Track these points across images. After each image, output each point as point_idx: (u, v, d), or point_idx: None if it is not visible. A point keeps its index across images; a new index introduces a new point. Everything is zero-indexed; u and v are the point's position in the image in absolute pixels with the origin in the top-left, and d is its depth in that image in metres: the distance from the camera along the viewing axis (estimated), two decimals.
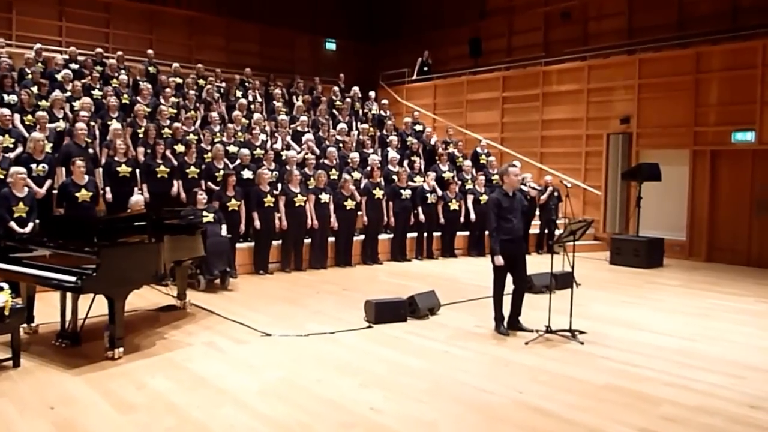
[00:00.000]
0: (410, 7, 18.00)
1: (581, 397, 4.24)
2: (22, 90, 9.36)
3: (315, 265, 9.16)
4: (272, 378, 4.53)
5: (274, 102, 12.72)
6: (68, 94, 9.99)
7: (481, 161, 12.19)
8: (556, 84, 13.26)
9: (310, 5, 17.84)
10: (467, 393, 4.30)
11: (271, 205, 8.65)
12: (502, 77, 14.35)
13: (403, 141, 12.40)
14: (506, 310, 5.85)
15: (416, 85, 16.43)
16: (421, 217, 10.13)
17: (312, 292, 7.66)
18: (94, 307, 5.31)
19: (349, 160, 10.23)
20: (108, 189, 8.00)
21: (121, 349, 4.90)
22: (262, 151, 9.80)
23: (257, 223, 8.53)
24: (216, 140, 9.78)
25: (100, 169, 8.38)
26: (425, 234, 10.41)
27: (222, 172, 8.80)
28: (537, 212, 11.04)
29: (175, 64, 12.91)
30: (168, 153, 8.87)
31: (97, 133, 9.25)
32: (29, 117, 8.79)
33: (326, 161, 10.20)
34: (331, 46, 18.24)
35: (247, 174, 8.99)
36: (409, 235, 10.26)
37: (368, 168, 10.12)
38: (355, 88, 14.29)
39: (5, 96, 9.31)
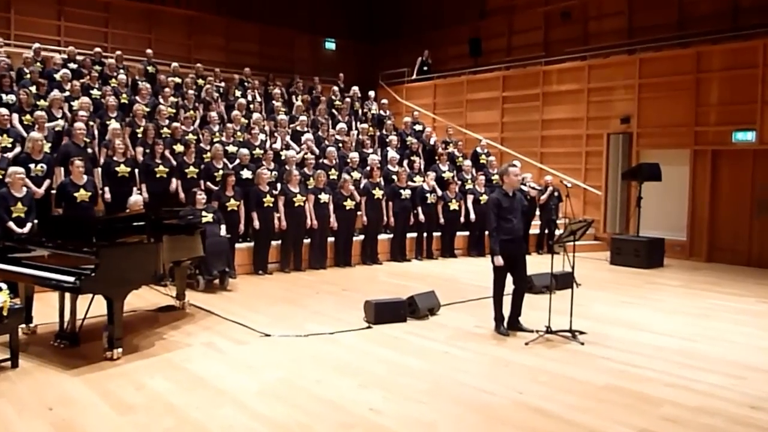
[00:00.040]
0: (410, 7, 17.98)
1: (581, 397, 4.23)
2: (21, 90, 9.34)
3: (314, 266, 9.15)
4: (271, 378, 4.52)
5: (274, 102, 12.70)
6: (67, 93, 9.98)
7: (481, 161, 12.18)
8: (556, 84, 13.25)
9: (309, 5, 17.82)
10: (467, 393, 4.28)
11: (271, 205, 8.63)
12: (502, 77, 14.33)
13: (403, 141, 12.38)
14: (506, 311, 5.84)
15: (416, 84, 16.41)
16: (421, 217, 10.11)
17: (311, 292, 7.65)
18: (92, 308, 5.31)
19: (349, 160, 10.21)
20: (107, 189, 7.98)
21: (120, 350, 4.88)
22: (262, 151, 9.78)
23: (256, 223, 8.52)
24: (215, 140, 9.77)
25: (99, 169, 8.36)
26: (425, 234, 10.39)
27: (221, 172, 8.78)
28: (537, 212, 11.02)
29: (174, 64, 12.89)
30: (167, 153, 8.84)
31: (96, 132, 9.23)
32: (28, 117, 8.78)
33: (326, 161, 10.18)
34: (330, 45, 18.22)
35: (246, 174, 8.98)
36: (408, 235, 10.25)
37: (368, 168, 10.11)
38: (355, 88, 14.27)
39: (3, 96, 9.29)
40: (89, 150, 8.35)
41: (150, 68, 12.49)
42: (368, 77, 17.27)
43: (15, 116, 8.65)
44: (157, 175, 8.48)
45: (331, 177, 9.78)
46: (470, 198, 10.77)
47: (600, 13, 13.68)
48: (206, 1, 16.06)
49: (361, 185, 9.80)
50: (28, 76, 10.34)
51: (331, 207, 9.18)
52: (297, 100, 13.27)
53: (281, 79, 14.71)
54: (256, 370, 4.69)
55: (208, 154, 9.18)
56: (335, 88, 14.12)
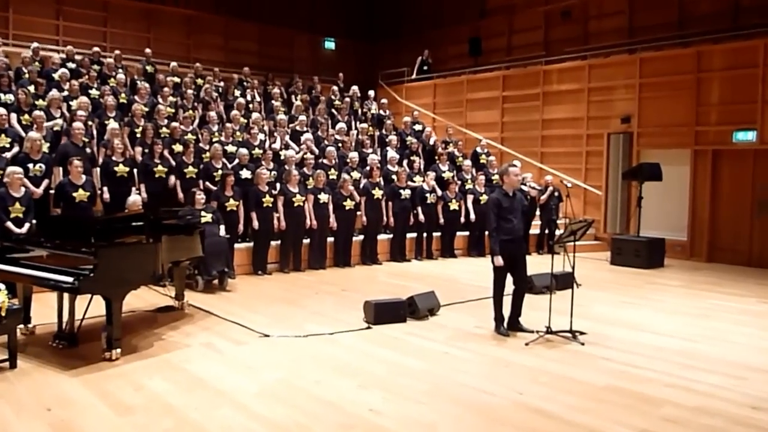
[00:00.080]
0: (410, 6, 17.95)
1: (582, 398, 4.21)
2: (19, 89, 9.32)
3: (314, 266, 9.13)
4: (271, 379, 4.51)
5: (273, 101, 12.68)
6: (65, 93, 9.96)
7: (481, 161, 12.17)
8: (556, 83, 13.23)
9: (309, 4, 17.80)
10: (467, 394, 4.27)
11: (270, 205, 8.61)
12: (502, 76, 14.32)
13: (403, 141, 12.37)
14: (506, 311, 5.83)
15: (416, 84, 16.39)
16: (421, 217, 10.09)
17: (311, 292, 7.63)
18: (91, 308, 5.30)
19: (348, 160, 10.19)
20: (105, 189, 7.97)
21: (119, 350, 4.86)
22: (261, 151, 9.76)
23: (256, 224, 8.50)
24: (214, 140, 9.74)
25: (98, 169, 8.34)
26: (425, 234, 10.38)
27: (220, 171, 8.76)
28: (537, 212, 11.01)
29: (173, 64, 12.88)
30: (166, 153, 8.83)
31: (95, 132, 9.22)
32: (26, 116, 8.75)
33: (325, 161, 10.16)
34: (330, 45, 18.19)
35: (245, 174, 8.96)
36: (408, 235, 10.23)
37: (367, 168, 10.09)
38: (354, 88, 14.25)
39: (2, 95, 9.26)
40: (88, 150, 8.35)
41: (149, 68, 12.48)
42: (368, 77, 17.25)
43: (13, 116, 8.62)
44: (156, 175, 8.47)
45: (331, 177, 9.76)
46: (470, 198, 10.76)
47: (600, 13, 13.66)
48: (205, 1, 16.02)
49: (361, 185, 9.78)
50: (27, 75, 10.33)
51: (331, 207, 9.16)
52: (296, 99, 13.25)
53: (280, 79, 14.69)
54: (255, 371, 4.68)
55: (207, 154, 9.16)
56: (335, 87, 14.11)
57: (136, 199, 7.18)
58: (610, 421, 3.83)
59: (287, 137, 10.97)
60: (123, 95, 10.68)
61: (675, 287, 8.45)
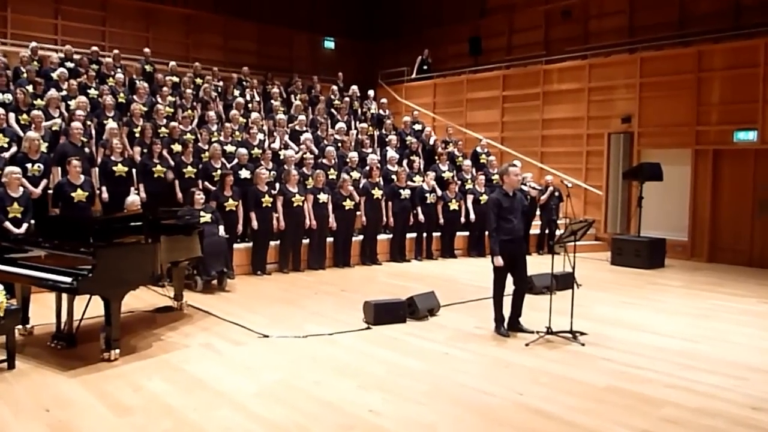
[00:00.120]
0: (410, 5, 17.93)
1: (582, 399, 4.20)
2: (18, 89, 9.31)
3: (313, 266, 9.11)
4: (270, 380, 4.49)
5: (272, 101, 12.67)
6: (64, 93, 9.94)
7: (481, 161, 12.15)
8: (556, 83, 13.21)
9: (308, 3, 17.78)
10: (467, 395, 4.25)
11: (269, 205, 8.59)
12: (503, 76, 14.30)
13: (403, 140, 12.35)
14: (506, 311, 5.81)
15: (416, 83, 16.37)
16: (421, 217, 10.07)
17: (310, 293, 7.61)
18: (89, 309, 5.28)
19: (348, 160, 10.16)
20: (104, 189, 7.95)
21: (117, 351, 4.84)
22: (260, 151, 9.74)
23: (255, 224, 8.48)
24: (213, 139, 9.71)
25: (96, 169, 8.32)
26: (425, 234, 10.36)
27: (219, 171, 8.73)
28: (537, 212, 10.99)
29: (172, 63, 12.86)
30: (165, 152, 8.81)
31: (93, 132, 9.20)
32: (24, 116, 8.73)
33: (325, 161, 10.14)
34: (329, 44, 18.17)
35: (244, 174, 8.94)
36: (408, 235, 10.21)
37: (367, 168, 10.07)
38: (354, 87, 14.23)
39: (0, 95, 9.24)
40: (86, 150, 8.32)
41: (148, 67, 12.46)
42: (367, 76, 17.24)
43: (11, 115, 8.61)
44: (155, 175, 8.44)
45: (330, 177, 9.73)
46: (470, 198, 10.74)
47: (601, 12, 13.65)
48: (204, 0, 16.01)
49: (361, 185, 9.76)
50: (25, 75, 10.31)
51: (330, 207, 9.14)
52: (296, 99, 13.22)
53: (280, 79, 14.68)
54: (254, 372, 4.66)
55: (207, 154, 9.13)
56: (334, 87, 14.09)
57: (134, 199, 7.16)
58: (610, 421, 3.81)
59: (286, 137, 10.95)
60: (122, 95, 10.67)
61: (676, 287, 8.44)
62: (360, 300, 6.40)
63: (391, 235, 10.08)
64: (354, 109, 13.78)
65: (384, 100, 14.63)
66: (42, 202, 7.36)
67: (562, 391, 4.34)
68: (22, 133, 8.10)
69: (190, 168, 8.76)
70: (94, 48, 12.51)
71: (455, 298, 7.14)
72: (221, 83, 12.99)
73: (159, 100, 10.66)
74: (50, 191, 7.45)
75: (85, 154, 7.98)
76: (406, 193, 9.92)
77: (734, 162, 10.64)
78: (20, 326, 5.28)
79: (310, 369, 4.73)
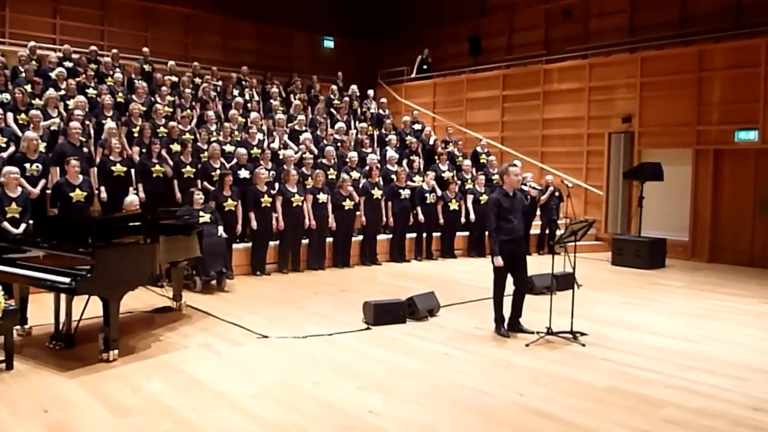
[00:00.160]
0: (409, 5, 17.92)
1: (582, 399, 4.19)
2: (16, 88, 9.29)
3: (313, 266, 9.09)
4: (269, 380, 4.47)
5: (271, 101, 12.65)
6: (62, 92, 9.92)
7: (481, 161, 12.13)
8: (557, 82, 13.20)
9: (308, 3, 17.75)
10: (467, 395, 4.24)
11: (269, 205, 8.57)
12: (503, 75, 14.29)
13: (402, 140, 12.33)
14: (506, 312, 5.79)
15: (415, 83, 16.36)
16: (421, 217, 10.05)
17: (309, 293, 7.59)
18: (88, 309, 5.27)
19: (348, 160, 10.14)
20: (102, 189, 7.93)
21: (116, 352, 4.83)
22: (259, 151, 9.72)
23: (254, 224, 8.46)
24: (212, 139, 9.70)
25: (95, 169, 8.30)
26: (424, 234, 10.34)
27: (218, 171, 8.71)
28: (538, 212, 10.98)
29: (171, 62, 12.84)
30: (164, 152, 8.79)
31: (92, 132, 9.18)
32: (23, 116, 8.70)
33: (324, 161, 10.12)
34: (329, 44, 18.15)
35: (243, 173, 8.92)
36: (408, 235, 10.19)
37: (367, 167, 10.05)
38: (354, 87, 14.21)
39: None
40: (85, 149, 8.30)
41: (146, 67, 12.44)
42: (367, 76, 17.22)
43: (10, 115, 8.59)
44: (154, 175, 8.42)
45: (330, 177, 9.72)
46: (470, 198, 10.72)
47: (601, 11, 13.63)
48: None
49: (360, 185, 9.74)
50: (23, 74, 10.29)
51: (330, 207, 9.12)
52: (295, 99, 13.20)
53: (279, 78, 14.67)
54: (253, 372, 4.65)
55: (205, 154, 9.12)
56: (334, 87, 14.07)
57: (133, 199, 7.14)
58: (610, 422, 3.80)
59: (286, 137, 10.93)
60: (120, 94, 10.66)
61: (676, 288, 8.43)
62: (360, 300, 6.38)
63: (390, 235, 10.07)
64: (353, 109, 13.76)
65: (384, 100, 14.62)
66: (40, 202, 7.34)
67: (563, 391, 4.32)
68: (20, 133, 8.08)
69: (189, 168, 8.74)
70: (93, 47, 12.48)
71: (455, 299, 7.13)
72: (220, 83, 12.97)
73: (158, 99, 10.64)
74: (48, 191, 7.42)
75: (84, 154, 7.96)
76: (405, 193, 9.90)
77: (735, 162, 10.63)
78: (18, 327, 5.27)
79: (310, 369, 4.71)
